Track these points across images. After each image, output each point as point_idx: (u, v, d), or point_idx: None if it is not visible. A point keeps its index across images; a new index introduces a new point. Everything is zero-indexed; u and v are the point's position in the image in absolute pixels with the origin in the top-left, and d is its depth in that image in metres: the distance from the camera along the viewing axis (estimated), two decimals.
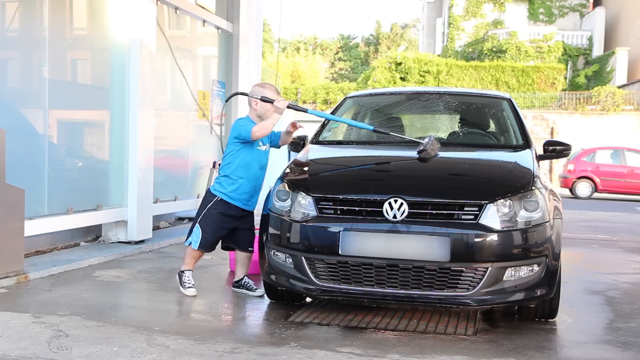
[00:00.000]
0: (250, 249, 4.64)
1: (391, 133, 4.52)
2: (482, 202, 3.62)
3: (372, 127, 4.60)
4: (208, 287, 4.82)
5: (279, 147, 4.76)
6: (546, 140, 4.75)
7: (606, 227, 10.41)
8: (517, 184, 3.78)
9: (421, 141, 4.11)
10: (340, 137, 5.24)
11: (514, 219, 3.61)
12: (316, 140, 4.89)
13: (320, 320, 3.96)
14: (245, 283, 4.64)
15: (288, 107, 4.43)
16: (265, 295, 4.46)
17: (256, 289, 4.57)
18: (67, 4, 6.17)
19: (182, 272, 4.60)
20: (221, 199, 4.46)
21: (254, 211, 4.67)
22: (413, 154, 4.25)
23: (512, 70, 30.99)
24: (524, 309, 4.07)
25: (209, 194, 4.55)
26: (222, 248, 4.74)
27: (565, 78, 32.03)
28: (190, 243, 4.54)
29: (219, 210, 4.46)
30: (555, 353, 3.49)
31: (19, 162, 5.31)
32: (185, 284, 4.55)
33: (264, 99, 4.44)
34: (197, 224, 4.50)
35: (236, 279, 4.69)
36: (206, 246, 4.52)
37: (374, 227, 3.62)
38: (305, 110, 4.59)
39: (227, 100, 5.00)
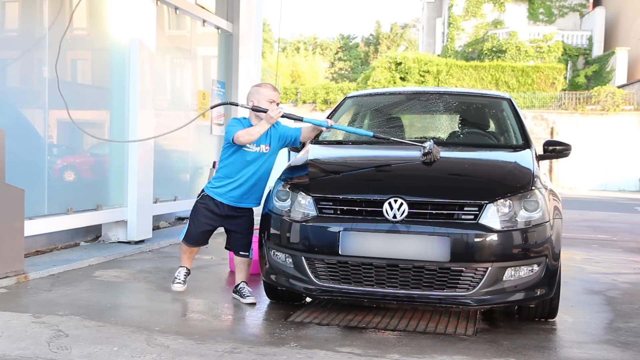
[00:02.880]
0: (242, 253, 4.48)
1: (392, 138, 4.48)
2: (482, 202, 3.62)
3: (371, 134, 4.51)
4: (208, 287, 4.82)
5: (298, 145, 4.60)
6: (546, 140, 4.75)
7: (606, 227, 10.41)
8: (517, 184, 3.78)
9: (424, 145, 4.02)
10: (340, 137, 5.24)
11: (514, 219, 3.61)
12: (316, 140, 4.88)
13: (320, 320, 3.96)
14: (240, 289, 4.46)
15: (283, 116, 4.31)
16: (255, 304, 4.31)
17: (248, 296, 4.37)
18: (67, 4, 6.17)
19: (178, 269, 4.64)
20: (207, 194, 4.44)
21: (252, 214, 4.55)
22: (413, 154, 4.25)
23: (512, 70, 31.01)
24: (524, 309, 4.07)
25: (201, 190, 4.56)
26: (225, 247, 4.68)
27: (565, 78, 32.05)
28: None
29: (204, 205, 4.44)
30: (555, 353, 3.49)
31: (19, 162, 5.31)
32: (174, 278, 4.58)
33: (255, 109, 4.29)
34: (188, 218, 4.55)
35: (235, 283, 4.55)
36: (189, 239, 4.51)
37: (373, 227, 3.62)
38: (300, 119, 4.46)
39: (212, 107, 4.75)
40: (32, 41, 5.74)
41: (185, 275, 4.60)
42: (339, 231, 3.64)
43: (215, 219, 4.44)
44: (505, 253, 3.54)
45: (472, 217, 3.60)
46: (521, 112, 5.01)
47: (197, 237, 4.52)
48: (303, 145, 4.73)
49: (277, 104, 4.36)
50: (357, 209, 3.72)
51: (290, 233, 3.81)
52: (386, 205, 3.64)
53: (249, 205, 4.47)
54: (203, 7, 8.17)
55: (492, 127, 5.22)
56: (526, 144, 4.56)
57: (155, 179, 6.98)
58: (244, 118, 4.45)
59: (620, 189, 25.87)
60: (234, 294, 4.51)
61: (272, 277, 4.00)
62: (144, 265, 5.64)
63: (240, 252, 4.49)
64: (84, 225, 6.27)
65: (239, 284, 4.49)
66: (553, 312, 4.07)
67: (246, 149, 4.31)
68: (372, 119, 5.43)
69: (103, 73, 6.68)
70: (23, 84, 5.87)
